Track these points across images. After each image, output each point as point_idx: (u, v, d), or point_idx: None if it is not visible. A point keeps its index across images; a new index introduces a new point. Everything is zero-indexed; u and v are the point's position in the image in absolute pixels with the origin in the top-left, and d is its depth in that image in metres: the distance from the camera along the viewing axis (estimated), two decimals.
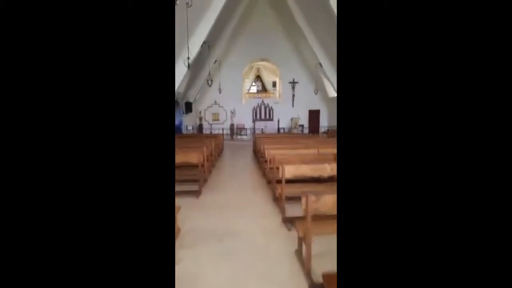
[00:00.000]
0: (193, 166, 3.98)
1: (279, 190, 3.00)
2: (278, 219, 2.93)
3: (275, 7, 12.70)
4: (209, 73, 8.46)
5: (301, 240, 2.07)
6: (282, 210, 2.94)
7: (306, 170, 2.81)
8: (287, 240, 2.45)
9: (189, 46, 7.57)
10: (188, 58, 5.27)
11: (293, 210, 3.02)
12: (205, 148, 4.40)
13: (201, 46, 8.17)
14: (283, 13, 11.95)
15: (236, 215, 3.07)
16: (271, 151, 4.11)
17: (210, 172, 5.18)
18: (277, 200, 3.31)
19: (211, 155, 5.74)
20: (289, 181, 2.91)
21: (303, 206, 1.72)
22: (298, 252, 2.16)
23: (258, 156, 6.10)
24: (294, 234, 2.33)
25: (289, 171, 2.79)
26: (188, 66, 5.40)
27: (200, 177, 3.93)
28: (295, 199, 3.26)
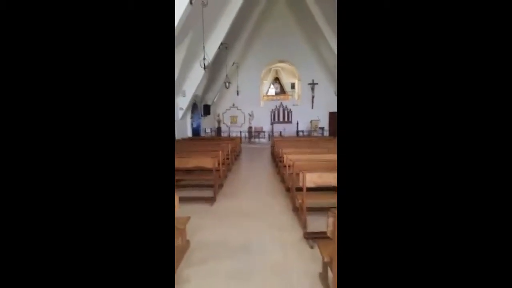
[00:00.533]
0: (208, 170, 3.78)
1: (299, 200, 2.69)
2: (298, 233, 2.62)
3: (293, 7, 12.42)
4: (227, 76, 8.34)
5: (326, 263, 1.75)
6: (303, 224, 2.63)
7: (330, 179, 2.47)
8: (309, 259, 2.13)
9: (205, 47, 7.52)
10: (204, 59, 5.14)
11: (316, 224, 2.69)
12: (220, 152, 4.20)
13: (219, 47, 8.09)
14: (302, 13, 11.64)
15: (251, 226, 2.81)
16: (289, 156, 3.80)
17: (226, 176, 4.97)
18: (297, 210, 2.99)
19: (227, 158, 5.54)
20: (311, 189, 2.60)
21: (330, 227, 1.42)
22: (323, 277, 1.85)
23: (276, 161, 5.81)
24: (317, 253, 2.02)
25: (311, 179, 2.47)
26: (204, 67, 5.28)
27: (215, 182, 3.72)
28: (318, 210, 2.94)
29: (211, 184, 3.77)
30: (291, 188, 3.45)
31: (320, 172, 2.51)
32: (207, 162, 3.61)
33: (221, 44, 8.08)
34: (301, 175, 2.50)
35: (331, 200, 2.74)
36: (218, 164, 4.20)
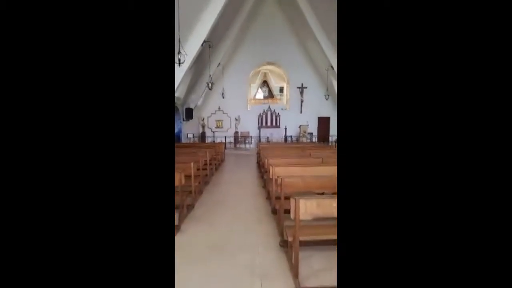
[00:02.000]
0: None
1: (289, 237, 1.96)
2: (288, 282, 1.88)
3: (284, 7, 11.94)
4: (210, 76, 7.59)
5: None
6: (295, 270, 1.89)
7: (331, 208, 1.77)
8: None
9: (186, 44, 6.75)
10: (179, 53, 4.38)
11: (312, 266, 1.98)
12: (192, 163, 3.41)
13: (202, 45, 7.34)
14: (292, 13, 11.19)
15: (226, 269, 2.05)
16: (277, 169, 3.09)
17: (200, 192, 4.17)
18: (286, 245, 2.26)
19: (205, 169, 4.75)
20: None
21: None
22: None
23: (262, 171, 5.08)
24: None
25: (307, 209, 1.76)
26: (179, 63, 4.51)
27: (180, 205, 2.93)
28: (314, 245, 2.23)
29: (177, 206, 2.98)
30: (278, 214, 2.72)
31: (318, 199, 1.79)
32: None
33: (205, 41, 7.33)
34: (293, 203, 1.77)
35: (331, 234, 2.03)
36: (190, 177, 3.42)
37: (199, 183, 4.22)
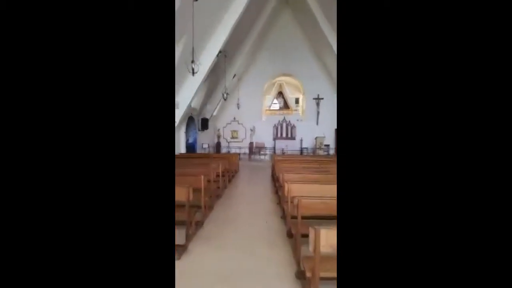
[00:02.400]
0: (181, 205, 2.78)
1: (308, 273, 1.66)
2: None
3: (299, 18, 11.92)
4: (225, 86, 7.54)
5: None
6: None
7: None
8: None
9: (202, 54, 6.77)
10: (193, 62, 4.32)
11: None
12: (202, 176, 3.21)
13: (217, 55, 7.36)
14: (308, 24, 11.11)
15: None
16: (292, 186, 2.80)
17: (211, 208, 3.94)
18: (303, 277, 1.95)
19: (217, 181, 4.55)
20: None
21: None
22: None
23: (277, 186, 4.78)
24: None
25: (328, 241, 1.46)
26: (193, 72, 4.44)
27: (188, 223, 2.71)
28: (333, 279, 1.89)
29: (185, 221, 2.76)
30: (294, 239, 2.42)
31: None
32: (179, 192, 2.62)
33: (220, 52, 7.36)
34: (312, 233, 1.49)
35: None
36: (200, 190, 3.21)
37: (210, 197, 4.01)
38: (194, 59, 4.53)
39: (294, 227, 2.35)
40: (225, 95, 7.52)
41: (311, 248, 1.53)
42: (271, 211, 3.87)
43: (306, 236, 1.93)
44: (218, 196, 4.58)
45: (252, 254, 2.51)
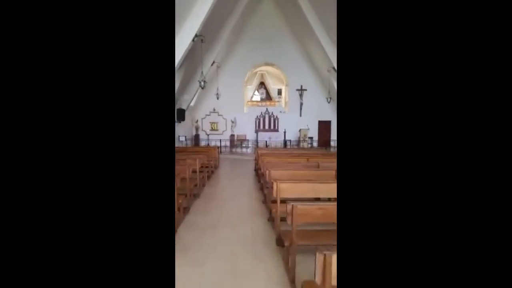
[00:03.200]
0: None
1: None
2: None
3: (281, 4, 11.36)
4: (202, 73, 6.89)
5: None
6: None
7: None
8: None
9: (176, 38, 6.05)
10: None
11: None
12: (179, 179, 2.68)
13: (193, 40, 6.65)
14: (291, 11, 10.61)
15: None
16: (282, 186, 2.39)
17: (187, 211, 3.42)
18: None
19: (193, 179, 4.02)
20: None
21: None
22: None
23: (261, 181, 4.36)
24: None
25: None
26: None
27: None
28: None
29: None
30: (287, 250, 2.01)
31: None
32: None
33: (196, 35, 6.64)
34: (321, 260, 1.07)
35: None
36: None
37: (186, 196, 3.49)
38: None
39: (287, 238, 1.94)
40: (202, 83, 6.85)
41: (318, 279, 1.11)
42: (256, 212, 3.44)
43: (300, 245, 1.52)
44: (195, 196, 4.06)
45: (235, 269, 2.07)
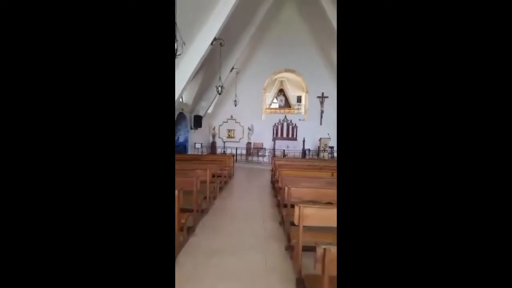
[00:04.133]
0: None
1: None
2: None
3: (304, 10, 10.99)
4: (220, 79, 6.60)
5: None
6: None
7: None
8: None
9: (183, 29, 5.81)
10: (176, 40, 3.37)
11: None
12: (177, 192, 2.26)
13: (212, 43, 6.42)
14: (314, 18, 10.20)
15: None
16: (307, 211, 1.87)
17: (192, 232, 2.98)
18: None
19: (201, 191, 3.60)
20: None
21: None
22: None
23: (278, 197, 3.84)
24: None
25: None
26: (175, 52, 3.50)
27: None
28: None
29: None
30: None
31: None
32: None
33: (215, 39, 6.41)
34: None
35: None
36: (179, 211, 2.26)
37: (193, 211, 3.07)
38: (178, 38, 3.60)
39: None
40: (219, 88, 6.55)
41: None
42: (273, 236, 2.92)
43: None
44: (203, 212, 3.63)
45: None
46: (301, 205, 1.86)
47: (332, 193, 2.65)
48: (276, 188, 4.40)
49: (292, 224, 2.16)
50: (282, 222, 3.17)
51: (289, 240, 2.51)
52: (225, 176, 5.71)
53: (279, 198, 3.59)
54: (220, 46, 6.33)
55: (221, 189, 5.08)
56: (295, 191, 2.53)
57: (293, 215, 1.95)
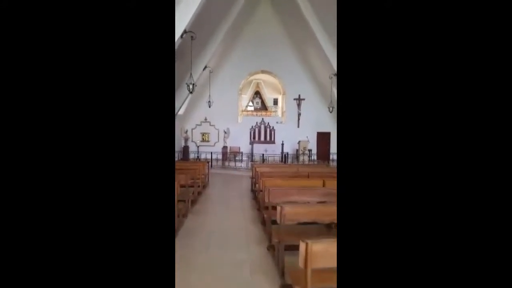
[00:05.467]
0: None
1: None
2: None
3: (279, 9, 10.70)
4: (191, 75, 5.87)
5: None
6: None
7: None
8: None
9: None
10: None
11: None
12: None
13: (181, 36, 5.69)
14: (290, 16, 9.94)
15: None
16: (315, 248, 1.30)
17: None
18: None
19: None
20: None
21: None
22: None
23: (262, 209, 3.26)
24: None
25: None
26: None
27: None
28: None
29: None
30: None
31: None
32: None
33: (185, 31, 5.69)
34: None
35: None
36: None
37: None
38: None
39: None
40: (190, 86, 5.82)
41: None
42: (259, 262, 2.32)
43: None
44: (175, 231, 2.90)
45: None
46: (308, 241, 1.29)
47: (333, 210, 2.12)
48: (259, 200, 3.81)
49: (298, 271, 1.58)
50: (269, 247, 2.57)
51: (278, 265, 1.92)
52: (198, 186, 4.99)
53: (264, 215, 2.99)
54: (191, 39, 5.62)
55: (193, 202, 4.35)
56: (290, 212, 1.96)
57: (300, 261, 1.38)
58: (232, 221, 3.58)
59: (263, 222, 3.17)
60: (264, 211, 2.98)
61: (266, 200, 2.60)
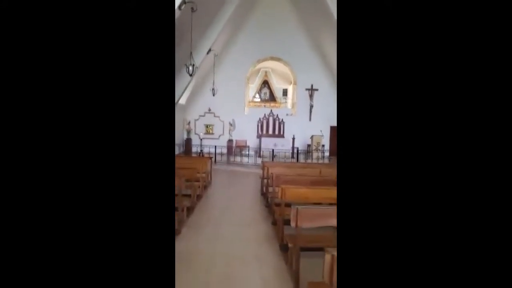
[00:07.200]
0: None
1: None
2: None
3: None
4: (191, 55, 4.95)
5: None
6: None
7: None
8: None
9: None
10: None
11: None
12: None
13: (180, 8, 4.76)
14: (304, 2, 8.85)
15: None
16: None
17: None
18: None
19: None
20: None
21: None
22: None
23: (274, 215, 2.40)
24: None
25: None
26: None
27: None
28: None
29: None
30: None
31: None
32: None
33: (184, 2, 4.75)
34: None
35: None
36: None
37: None
38: None
39: None
40: (190, 68, 4.92)
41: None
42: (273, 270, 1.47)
43: None
44: None
45: None
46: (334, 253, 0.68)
47: None
48: (273, 210, 2.94)
49: None
50: (287, 262, 1.72)
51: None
52: (199, 187, 4.16)
53: (275, 214, 2.12)
54: (192, 11, 4.69)
55: (191, 210, 3.52)
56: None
57: None
58: (239, 242, 2.73)
59: (284, 244, 2.31)
60: (288, 240, 2.07)
61: (293, 224, 1.74)
